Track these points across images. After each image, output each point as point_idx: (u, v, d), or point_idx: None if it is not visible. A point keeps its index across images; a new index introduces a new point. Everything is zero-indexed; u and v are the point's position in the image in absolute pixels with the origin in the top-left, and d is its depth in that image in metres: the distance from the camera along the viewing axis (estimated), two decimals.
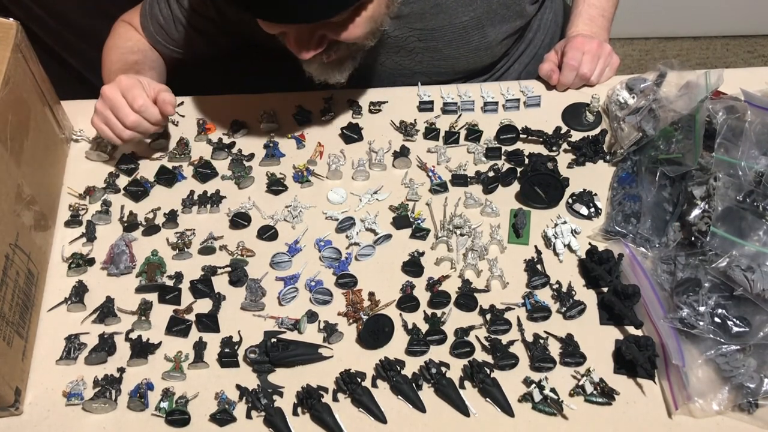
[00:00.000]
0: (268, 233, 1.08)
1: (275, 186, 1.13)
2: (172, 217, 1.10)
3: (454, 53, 1.22)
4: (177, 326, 0.99)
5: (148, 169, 1.17)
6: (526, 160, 1.14)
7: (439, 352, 0.97)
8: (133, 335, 0.99)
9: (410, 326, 0.98)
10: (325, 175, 1.15)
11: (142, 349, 0.97)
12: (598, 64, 1.20)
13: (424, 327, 0.98)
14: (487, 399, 0.92)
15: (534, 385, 0.92)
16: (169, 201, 1.13)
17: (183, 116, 1.24)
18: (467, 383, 0.94)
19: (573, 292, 1.00)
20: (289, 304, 1.02)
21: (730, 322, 0.91)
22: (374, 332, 0.97)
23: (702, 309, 0.92)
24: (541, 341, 0.96)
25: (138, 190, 1.13)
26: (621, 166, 1.12)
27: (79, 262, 1.05)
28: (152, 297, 1.03)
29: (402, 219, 1.08)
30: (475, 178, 1.13)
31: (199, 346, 0.98)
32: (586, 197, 1.09)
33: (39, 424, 0.93)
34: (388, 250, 1.07)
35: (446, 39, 1.20)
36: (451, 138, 1.17)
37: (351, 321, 1.00)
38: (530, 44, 1.36)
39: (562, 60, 1.21)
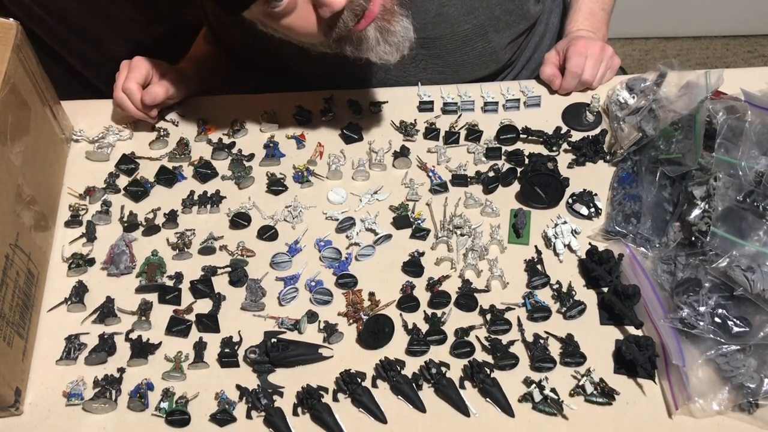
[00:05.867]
0: (268, 233, 1.08)
1: (275, 186, 1.13)
2: (172, 217, 1.10)
3: (458, 60, 1.21)
4: (177, 326, 0.99)
5: (148, 169, 1.17)
6: (526, 160, 1.14)
7: (439, 352, 0.97)
8: (133, 335, 0.99)
9: (410, 326, 0.98)
10: (325, 175, 1.15)
11: (142, 349, 0.97)
12: (600, 67, 1.20)
13: (424, 327, 0.98)
14: (488, 399, 0.92)
15: (534, 385, 0.92)
16: (169, 201, 1.13)
17: (183, 116, 1.24)
18: (467, 383, 0.94)
19: (573, 292, 1.00)
20: (289, 304, 1.02)
21: (730, 322, 0.91)
22: (374, 332, 0.97)
23: (702, 309, 0.92)
24: (541, 341, 0.96)
25: (138, 190, 1.13)
26: (621, 166, 1.12)
27: (79, 262, 1.05)
28: (152, 297, 1.03)
29: (402, 219, 1.08)
30: (475, 178, 1.13)
31: (199, 346, 0.98)
32: (586, 197, 1.09)
33: (39, 425, 0.93)
34: (388, 250, 1.07)
35: (449, 47, 1.18)
36: (451, 138, 1.17)
37: (351, 321, 1.00)
38: (537, 50, 1.34)
39: (563, 63, 1.20)
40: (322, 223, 1.10)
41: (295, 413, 0.93)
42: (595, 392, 0.91)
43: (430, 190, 1.12)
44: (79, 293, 1.02)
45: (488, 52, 1.21)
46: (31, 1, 1.43)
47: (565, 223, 1.06)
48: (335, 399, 0.93)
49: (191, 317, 1.00)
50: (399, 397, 0.93)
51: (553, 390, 0.91)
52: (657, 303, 0.95)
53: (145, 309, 1.01)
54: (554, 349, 0.96)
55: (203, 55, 1.32)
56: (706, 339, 0.91)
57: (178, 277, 1.04)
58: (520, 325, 0.98)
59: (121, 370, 0.96)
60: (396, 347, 0.97)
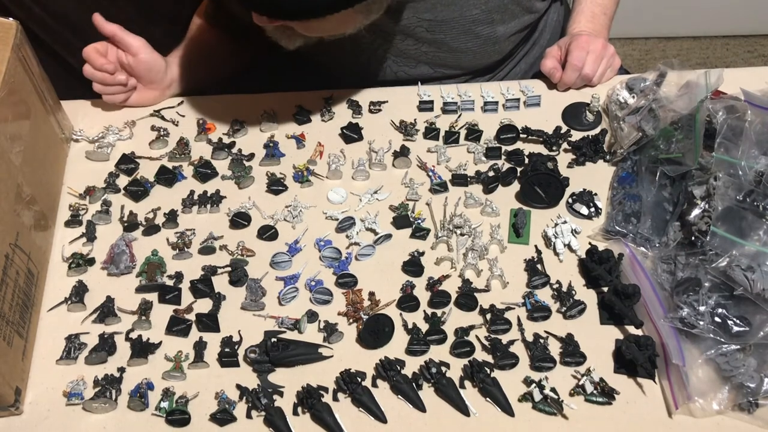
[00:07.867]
0: (268, 233, 1.08)
1: (275, 186, 1.13)
2: (172, 217, 1.10)
3: (461, 46, 1.22)
4: (177, 326, 0.99)
5: (148, 169, 1.17)
6: (526, 160, 1.14)
7: (439, 352, 0.97)
8: (134, 335, 0.99)
9: (410, 326, 0.98)
10: (325, 175, 1.15)
11: (142, 349, 0.97)
12: (601, 64, 1.20)
13: (424, 327, 0.98)
14: (487, 399, 0.92)
15: (534, 384, 0.92)
16: (169, 201, 1.13)
17: (183, 116, 1.24)
18: (467, 383, 0.94)
19: (573, 292, 1.00)
20: (289, 303, 1.02)
21: (730, 322, 0.91)
22: (374, 332, 0.97)
23: (702, 309, 0.92)
24: (541, 341, 0.96)
25: (138, 190, 1.13)
26: (621, 166, 1.12)
27: (79, 262, 1.05)
28: (152, 297, 1.03)
29: (402, 219, 1.08)
30: (475, 178, 1.13)
31: (199, 346, 0.98)
32: (586, 197, 1.09)
33: (39, 424, 0.93)
34: (388, 250, 1.07)
35: (454, 32, 1.19)
36: (451, 138, 1.17)
37: (351, 321, 1.00)
38: (536, 44, 1.36)
39: (565, 58, 1.21)
40: (322, 222, 1.10)
41: (295, 413, 0.93)
42: (595, 392, 0.91)
43: (430, 190, 1.12)
44: (79, 293, 1.02)
45: (492, 41, 1.22)
46: (31, 1, 1.43)
47: (565, 222, 1.06)
48: (335, 399, 0.93)
49: (191, 317, 1.00)
50: (399, 396, 0.93)
51: (553, 389, 0.91)
52: (657, 302, 0.95)
53: (145, 309, 1.01)
54: (554, 348, 0.96)
55: (197, 39, 1.29)
56: (706, 339, 0.91)
57: (178, 276, 1.04)
58: (520, 324, 0.98)
59: (121, 370, 0.96)
60: (396, 347, 0.97)
